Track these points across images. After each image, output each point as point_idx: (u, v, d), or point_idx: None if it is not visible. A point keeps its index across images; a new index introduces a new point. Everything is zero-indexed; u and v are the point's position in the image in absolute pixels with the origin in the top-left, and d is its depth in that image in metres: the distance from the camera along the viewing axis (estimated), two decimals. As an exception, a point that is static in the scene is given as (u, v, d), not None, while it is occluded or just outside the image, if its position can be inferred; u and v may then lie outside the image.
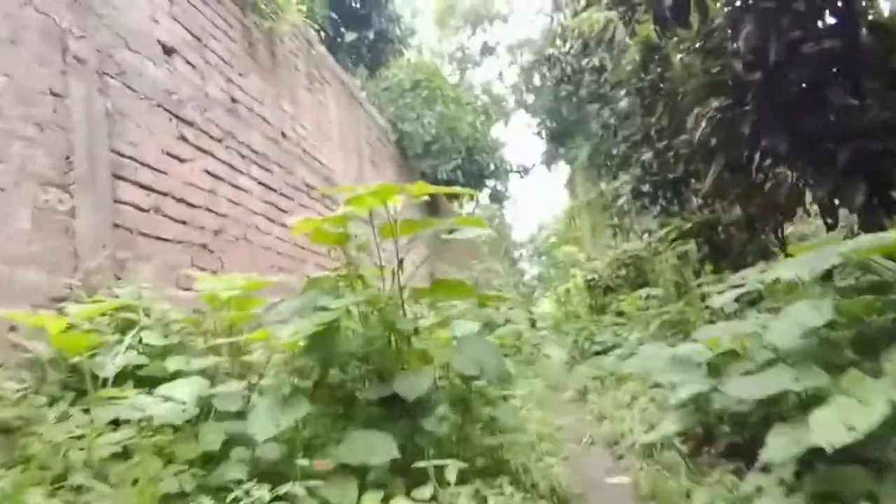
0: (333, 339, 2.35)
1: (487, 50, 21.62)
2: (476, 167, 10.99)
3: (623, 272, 11.84)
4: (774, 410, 2.05)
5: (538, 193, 53.51)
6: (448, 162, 10.61)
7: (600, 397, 5.34)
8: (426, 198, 2.64)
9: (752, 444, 2.00)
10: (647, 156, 7.37)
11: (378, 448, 2.07)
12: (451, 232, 2.79)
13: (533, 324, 14.12)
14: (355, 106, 7.92)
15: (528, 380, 6.57)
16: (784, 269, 2.20)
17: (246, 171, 4.59)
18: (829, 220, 3.52)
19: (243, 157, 4.57)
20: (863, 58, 3.12)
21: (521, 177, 22.05)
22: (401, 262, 2.56)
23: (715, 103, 3.97)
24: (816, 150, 3.25)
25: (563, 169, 22.72)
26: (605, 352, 8.32)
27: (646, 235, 13.53)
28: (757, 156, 3.76)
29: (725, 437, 2.58)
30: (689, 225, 6.32)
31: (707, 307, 6.45)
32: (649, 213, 8.10)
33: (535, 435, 3.27)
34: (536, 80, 17.79)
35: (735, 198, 5.50)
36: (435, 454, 2.21)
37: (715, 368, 2.29)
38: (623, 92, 6.66)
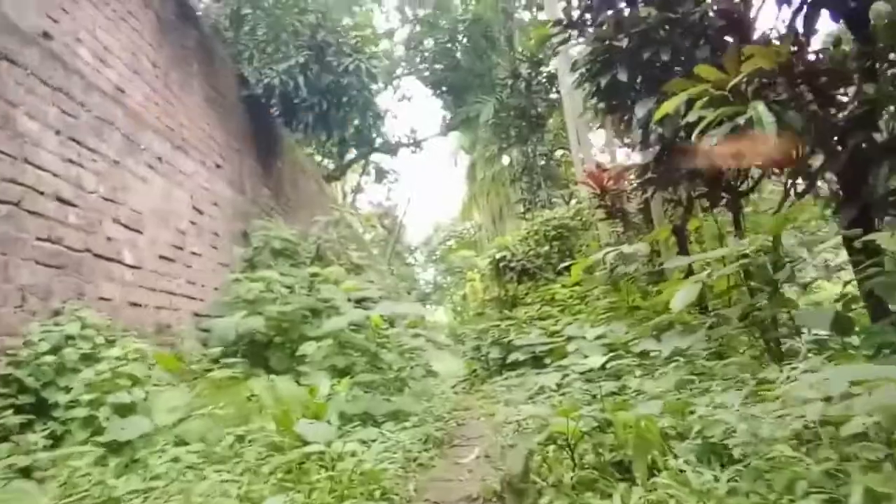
0: None
1: (377, -1, 17.77)
2: (330, 76, 6.99)
3: (545, 249, 8.32)
4: None
5: (434, 193, 49.95)
6: (282, 59, 6.61)
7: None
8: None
9: None
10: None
11: None
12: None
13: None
14: None
15: (382, 434, 2.71)
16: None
17: None
18: None
19: None
20: None
21: (413, 151, 18.38)
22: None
23: None
24: None
25: (462, 160, 19.03)
26: (529, 362, 4.70)
27: (573, 201, 10.14)
28: None
29: None
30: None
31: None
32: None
33: None
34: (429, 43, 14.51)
35: None
36: None
37: None
38: None
